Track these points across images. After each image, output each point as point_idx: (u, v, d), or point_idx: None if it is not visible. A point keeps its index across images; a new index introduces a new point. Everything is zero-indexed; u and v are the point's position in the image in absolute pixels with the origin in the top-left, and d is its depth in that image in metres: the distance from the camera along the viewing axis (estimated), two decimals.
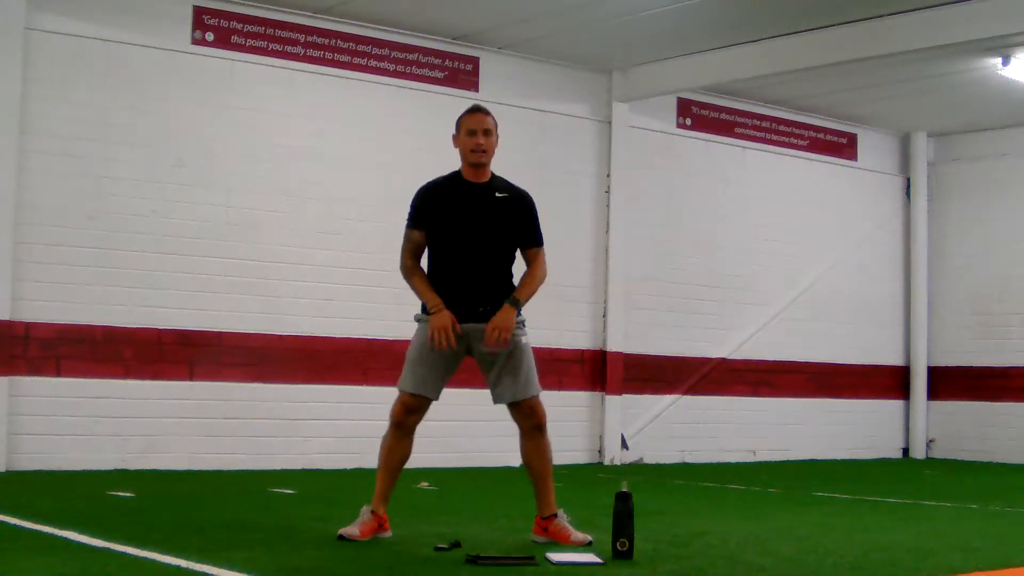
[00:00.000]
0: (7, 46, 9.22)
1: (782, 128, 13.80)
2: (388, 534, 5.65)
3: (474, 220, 5.56)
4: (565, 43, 11.46)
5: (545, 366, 11.37)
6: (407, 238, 5.68)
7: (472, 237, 5.57)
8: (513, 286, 5.69)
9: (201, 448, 9.88)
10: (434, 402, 5.69)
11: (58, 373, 9.39)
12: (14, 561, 4.71)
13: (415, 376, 5.60)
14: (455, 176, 5.71)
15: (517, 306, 5.52)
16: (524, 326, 5.66)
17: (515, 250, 5.72)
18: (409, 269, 5.68)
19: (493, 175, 5.70)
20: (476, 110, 5.69)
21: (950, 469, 12.96)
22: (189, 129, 10.07)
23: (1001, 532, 6.82)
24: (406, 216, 5.72)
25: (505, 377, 5.58)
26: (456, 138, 5.68)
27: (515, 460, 5.76)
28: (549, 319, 11.50)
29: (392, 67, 11.05)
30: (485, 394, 5.76)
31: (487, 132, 5.60)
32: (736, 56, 11.51)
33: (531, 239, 5.68)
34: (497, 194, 5.62)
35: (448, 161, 12.32)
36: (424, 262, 5.75)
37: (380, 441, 5.69)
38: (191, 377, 9.94)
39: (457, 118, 5.72)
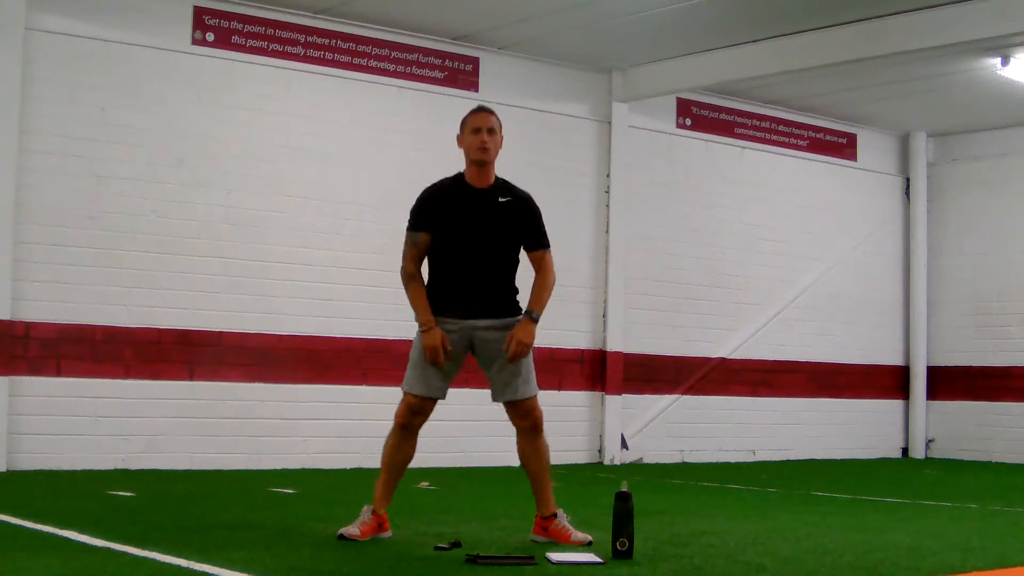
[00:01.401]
0: (7, 46, 9.22)
1: (782, 128, 13.81)
2: (388, 534, 5.66)
3: (477, 226, 5.55)
4: (565, 43, 11.47)
5: (545, 366, 11.49)
6: (411, 241, 5.62)
7: (475, 242, 5.56)
8: (515, 287, 5.70)
9: (201, 448, 9.89)
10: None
11: (58, 373, 9.39)
12: (14, 561, 4.72)
13: (419, 378, 5.60)
14: (458, 179, 5.67)
15: (535, 319, 5.54)
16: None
17: (518, 253, 5.71)
18: (410, 276, 5.62)
19: (497, 178, 5.68)
20: (480, 109, 5.67)
21: (949, 469, 12.96)
22: (189, 129, 10.07)
23: (1000, 532, 6.82)
24: (407, 218, 5.67)
25: (506, 375, 5.59)
26: (460, 138, 5.65)
27: (515, 460, 5.76)
28: (549, 319, 11.40)
29: (392, 67, 11.05)
30: (486, 394, 5.76)
31: (491, 131, 5.57)
32: (736, 56, 11.51)
33: (535, 241, 5.67)
34: (500, 199, 5.59)
35: (447, 161, 12.32)
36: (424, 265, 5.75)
37: (384, 442, 5.68)
38: (191, 377, 9.94)
39: (462, 118, 5.69)
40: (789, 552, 5.57)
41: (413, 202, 5.68)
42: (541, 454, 5.65)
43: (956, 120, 14.24)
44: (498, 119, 5.66)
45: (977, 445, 14.28)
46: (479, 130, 5.55)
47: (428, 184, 5.74)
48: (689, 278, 12.94)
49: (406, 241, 5.64)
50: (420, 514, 6.60)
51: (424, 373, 5.58)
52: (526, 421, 5.63)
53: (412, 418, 5.61)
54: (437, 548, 5.32)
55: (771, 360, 13.56)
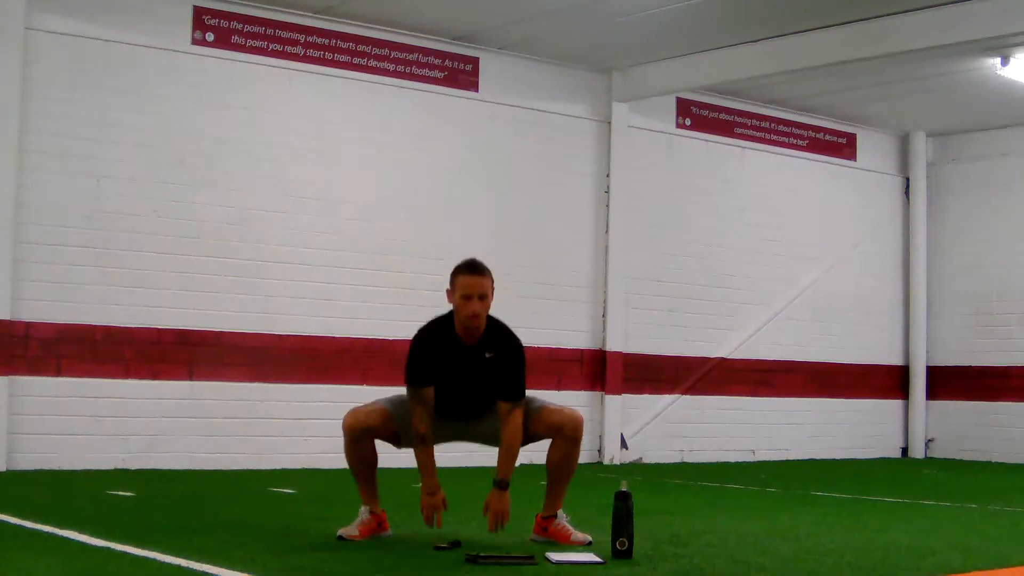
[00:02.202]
0: (7, 46, 9.22)
1: (781, 128, 13.81)
2: (388, 533, 5.66)
3: (464, 381, 5.50)
4: (565, 43, 11.47)
5: (545, 366, 11.50)
6: (417, 398, 5.45)
7: (461, 394, 5.54)
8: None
9: (201, 448, 9.89)
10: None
11: (58, 373, 9.39)
12: (14, 561, 4.72)
13: (398, 410, 5.58)
14: (448, 330, 5.47)
15: (505, 487, 5.47)
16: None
17: None
18: (422, 439, 5.47)
19: (489, 321, 5.49)
20: (473, 270, 5.39)
21: (949, 468, 12.96)
22: (189, 129, 10.07)
23: (1000, 532, 6.82)
24: (405, 372, 5.50)
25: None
26: (450, 293, 5.43)
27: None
28: (549, 319, 11.51)
29: (392, 67, 11.05)
30: None
31: (483, 297, 5.36)
32: (736, 56, 11.51)
33: (508, 394, 5.46)
34: (487, 355, 5.46)
35: (447, 161, 12.33)
36: None
37: (343, 453, 5.65)
38: (191, 377, 9.94)
39: (452, 271, 5.43)
40: (789, 552, 5.57)
41: (408, 354, 5.49)
42: (570, 462, 5.59)
43: (956, 120, 14.24)
44: (491, 279, 5.41)
45: (976, 445, 14.28)
46: (470, 297, 5.33)
47: (422, 324, 5.57)
48: (689, 278, 12.94)
49: (411, 398, 5.47)
50: (420, 514, 6.60)
51: (401, 415, 5.53)
52: (561, 431, 5.53)
53: (353, 422, 5.55)
54: (437, 548, 5.32)
55: (771, 360, 13.56)
